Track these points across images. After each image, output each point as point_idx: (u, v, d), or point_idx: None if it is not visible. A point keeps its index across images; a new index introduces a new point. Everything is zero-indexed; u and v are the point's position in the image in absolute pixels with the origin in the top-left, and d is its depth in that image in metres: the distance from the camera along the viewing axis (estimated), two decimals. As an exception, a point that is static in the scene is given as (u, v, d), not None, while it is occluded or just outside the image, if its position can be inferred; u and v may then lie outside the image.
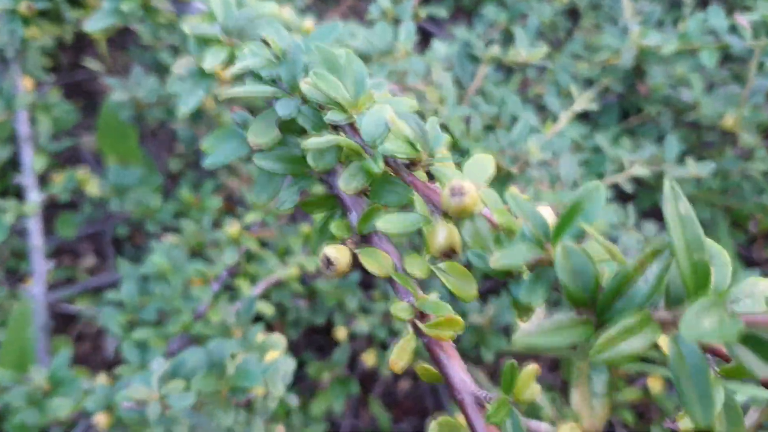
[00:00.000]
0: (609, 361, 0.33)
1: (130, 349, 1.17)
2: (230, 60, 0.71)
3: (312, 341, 1.58)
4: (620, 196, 1.36)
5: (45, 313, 1.37)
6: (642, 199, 1.50)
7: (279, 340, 1.08)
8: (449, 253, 0.48)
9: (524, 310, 0.45)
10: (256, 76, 0.63)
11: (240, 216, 1.41)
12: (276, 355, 1.03)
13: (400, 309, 0.51)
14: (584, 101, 1.22)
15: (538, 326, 0.37)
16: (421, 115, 1.19)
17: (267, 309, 1.30)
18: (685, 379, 0.33)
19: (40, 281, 1.37)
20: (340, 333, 1.43)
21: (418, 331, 0.51)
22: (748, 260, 1.61)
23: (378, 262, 0.52)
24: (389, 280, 0.54)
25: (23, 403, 1.20)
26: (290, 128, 0.61)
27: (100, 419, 1.12)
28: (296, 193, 0.59)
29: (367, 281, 1.57)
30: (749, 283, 0.40)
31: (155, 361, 0.88)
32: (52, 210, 1.65)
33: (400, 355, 0.50)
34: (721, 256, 0.42)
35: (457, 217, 0.47)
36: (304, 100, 0.59)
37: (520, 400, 0.45)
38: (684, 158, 1.34)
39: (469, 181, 0.47)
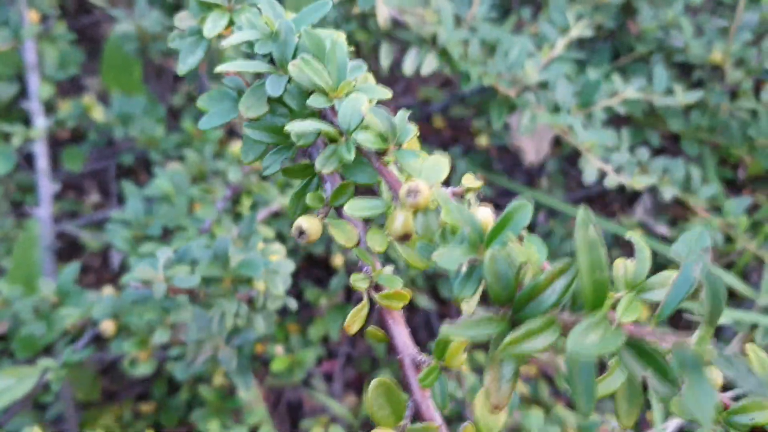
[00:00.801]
0: (515, 356, 0.41)
1: (137, 262, 1.20)
2: (230, 24, 0.75)
3: (310, 274, 1.62)
4: (614, 121, 1.40)
5: (51, 236, 1.41)
6: (632, 137, 1.54)
7: (278, 247, 1.13)
8: (405, 237, 0.54)
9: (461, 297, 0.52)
10: (250, 46, 0.67)
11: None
12: (276, 258, 1.07)
13: (359, 279, 0.57)
14: (580, 27, 1.25)
15: (462, 320, 0.43)
16: (422, 40, 1.22)
17: (267, 232, 1.34)
18: (575, 375, 0.40)
19: (46, 204, 1.41)
20: (337, 260, 1.48)
21: (372, 300, 0.58)
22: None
23: (345, 234, 0.58)
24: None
25: (31, 315, 1.24)
26: (279, 101, 0.66)
27: (107, 326, 1.17)
28: (279, 161, 0.64)
29: (365, 215, 1.61)
30: (664, 276, 0.47)
31: (160, 250, 0.92)
32: (57, 148, 1.68)
33: (353, 319, 0.57)
34: (643, 252, 0.49)
35: (412, 211, 0.53)
36: (292, 80, 0.63)
37: (449, 365, 0.53)
38: (672, 91, 1.38)
39: (425, 181, 0.53)
